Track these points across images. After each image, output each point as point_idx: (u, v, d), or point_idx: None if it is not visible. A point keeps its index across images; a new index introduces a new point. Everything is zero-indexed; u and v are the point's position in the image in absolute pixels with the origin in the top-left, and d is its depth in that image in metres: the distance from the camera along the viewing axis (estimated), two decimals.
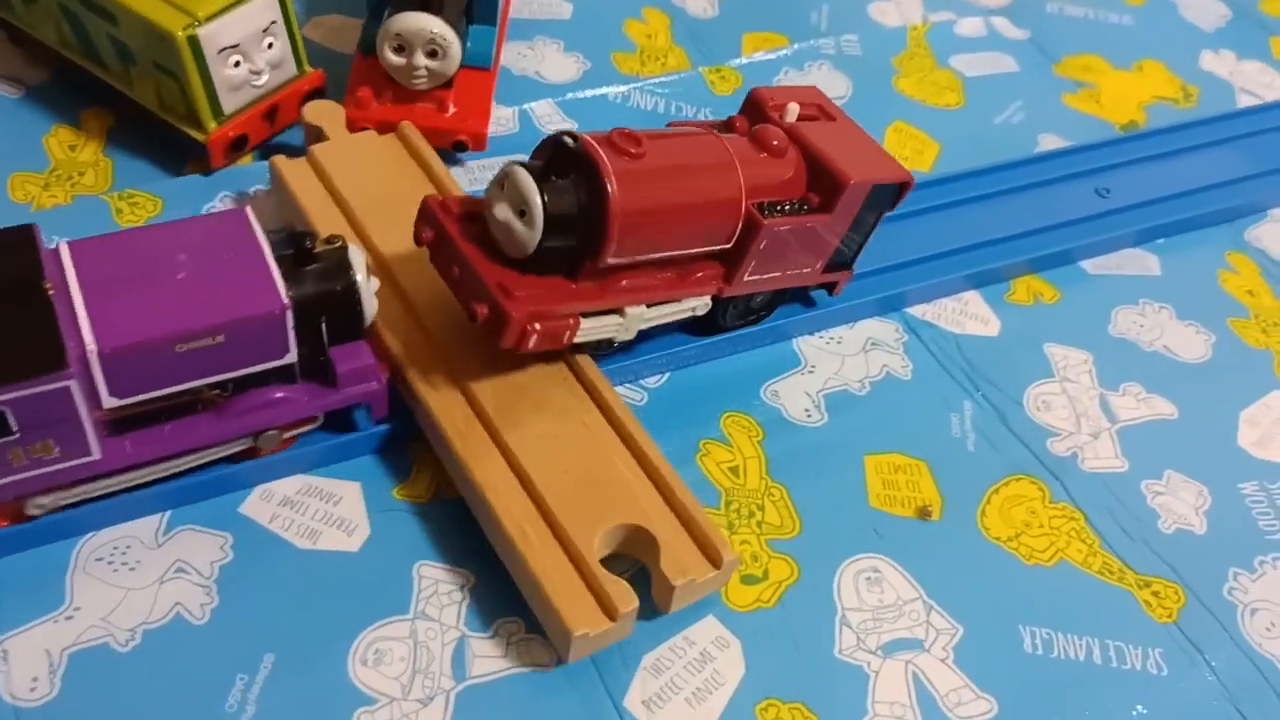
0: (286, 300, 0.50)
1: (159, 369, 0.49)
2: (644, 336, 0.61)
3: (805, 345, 0.67)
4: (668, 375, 0.64)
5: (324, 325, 0.53)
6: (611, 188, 0.51)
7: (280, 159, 0.67)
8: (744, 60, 0.87)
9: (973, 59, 0.92)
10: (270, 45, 0.68)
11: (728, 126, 0.61)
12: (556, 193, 0.52)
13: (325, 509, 0.56)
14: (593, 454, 0.55)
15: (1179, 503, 0.63)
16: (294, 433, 0.56)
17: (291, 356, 0.52)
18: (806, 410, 0.64)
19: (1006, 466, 0.63)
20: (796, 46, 0.89)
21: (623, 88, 0.82)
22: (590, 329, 0.55)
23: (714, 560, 0.52)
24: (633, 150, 0.53)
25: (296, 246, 0.51)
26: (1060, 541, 0.60)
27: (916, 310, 0.70)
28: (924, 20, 0.95)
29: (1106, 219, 0.77)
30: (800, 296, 0.68)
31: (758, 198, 0.57)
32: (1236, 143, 0.85)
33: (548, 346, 0.54)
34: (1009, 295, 0.73)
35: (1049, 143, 0.84)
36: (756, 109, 0.62)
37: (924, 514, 0.60)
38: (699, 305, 0.60)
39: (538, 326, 0.52)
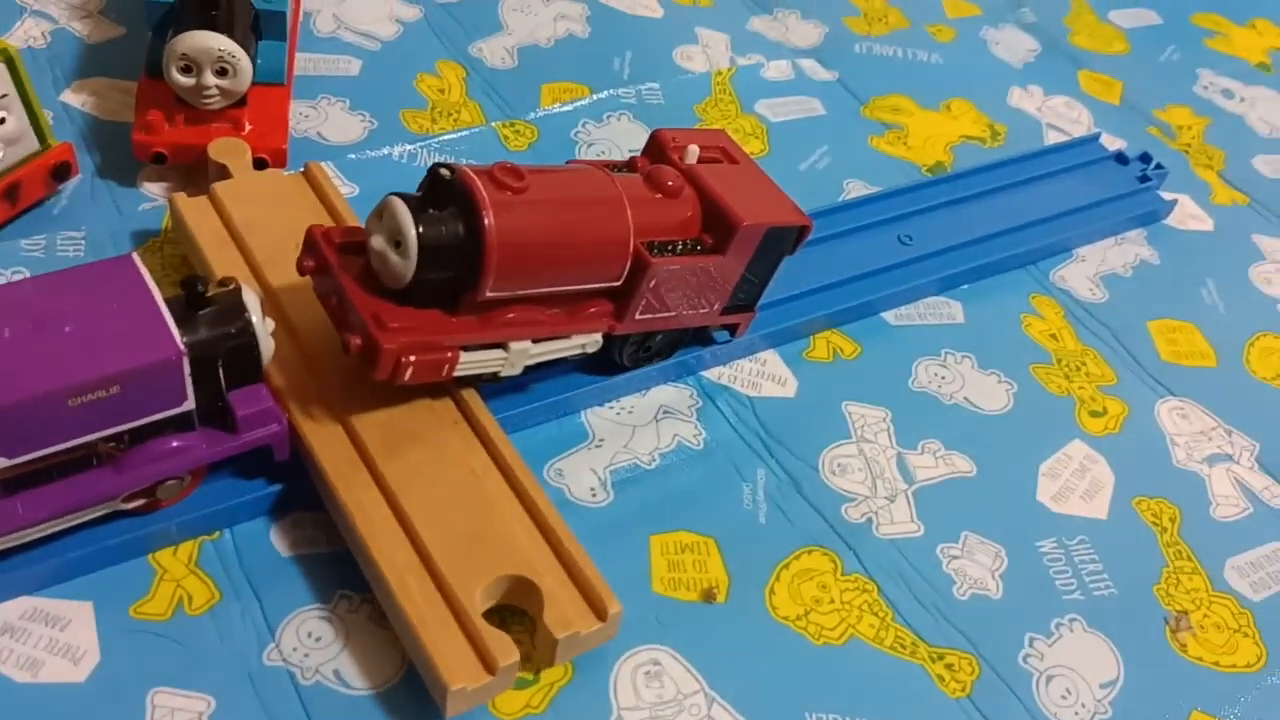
0: (182, 346, 0.49)
1: (51, 424, 0.47)
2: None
3: (594, 417, 0.64)
4: None
5: (221, 369, 0.52)
6: (488, 220, 0.51)
7: (180, 197, 0.66)
8: (541, 113, 0.84)
9: (779, 103, 0.90)
10: (2, 120, 0.63)
11: (630, 166, 0.62)
12: (432, 223, 0.51)
13: (51, 635, 0.51)
14: (480, 502, 0.55)
15: (975, 566, 0.61)
16: (195, 482, 0.55)
17: (189, 404, 0.51)
18: (592, 489, 0.61)
19: (799, 538, 0.60)
20: (596, 97, 0.86)
21: (409, 146, 0.78)
22: (472, 362, 0.55)
23: (599, 613, 0.51)
24: (514, 184, 0.53)
25: (188, 290, 0.51)
26: (851, 617, 0.58)
27: (712, 373, 0.68)
28: (731, 65, 0.93)
29: (909, 267, 0.75)
30: (701, 336, 0.67)
31: (649, 236, 0.57)
32: (1040, 182, 0.84)
33: (426, 379, 0.54)
34: (808, 352, 0.70)
35: (855, 189, 0.83)
36: (658, 150, 0.62)
37: (709, 597, 0.57)
38: (589, 343, 0.59)
39: (413, 359, 0.52)
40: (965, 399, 0.70)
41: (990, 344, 0.73)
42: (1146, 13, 1.11)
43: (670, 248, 0.58)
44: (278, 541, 0.56)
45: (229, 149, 0.69)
